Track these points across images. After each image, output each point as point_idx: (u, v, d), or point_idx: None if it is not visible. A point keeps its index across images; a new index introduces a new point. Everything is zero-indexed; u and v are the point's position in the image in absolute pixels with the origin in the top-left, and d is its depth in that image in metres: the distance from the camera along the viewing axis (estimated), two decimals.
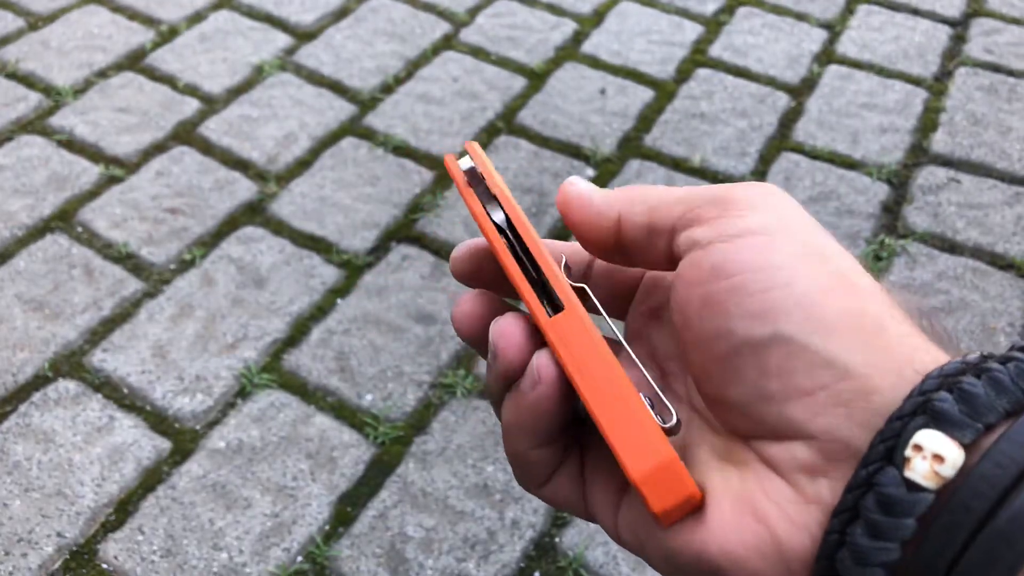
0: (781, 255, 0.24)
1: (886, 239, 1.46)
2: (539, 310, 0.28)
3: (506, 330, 0.28)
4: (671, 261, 0.27)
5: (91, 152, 1.57)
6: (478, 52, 1.82)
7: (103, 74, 1.73)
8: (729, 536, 0.23)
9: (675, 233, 0.27)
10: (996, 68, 1.81)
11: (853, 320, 0.23)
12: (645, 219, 0.28)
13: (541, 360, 0.27)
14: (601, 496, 0.28)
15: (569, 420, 0.28)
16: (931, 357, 0.23)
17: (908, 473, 0.21)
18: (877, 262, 1.42)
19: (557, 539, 1.10)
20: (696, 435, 0.27)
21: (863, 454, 0.22)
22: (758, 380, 0.24)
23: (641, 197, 0.28)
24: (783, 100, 1.74)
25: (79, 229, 1.44)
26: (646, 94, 1.74)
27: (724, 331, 0.24)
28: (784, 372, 0.23)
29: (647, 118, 1.69)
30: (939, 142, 1.65)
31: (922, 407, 0.21)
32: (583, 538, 1.10)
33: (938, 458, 0.20)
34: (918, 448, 0.20)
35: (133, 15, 1.86)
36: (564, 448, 0.29)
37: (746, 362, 0.24)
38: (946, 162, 1.61)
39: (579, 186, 0.30)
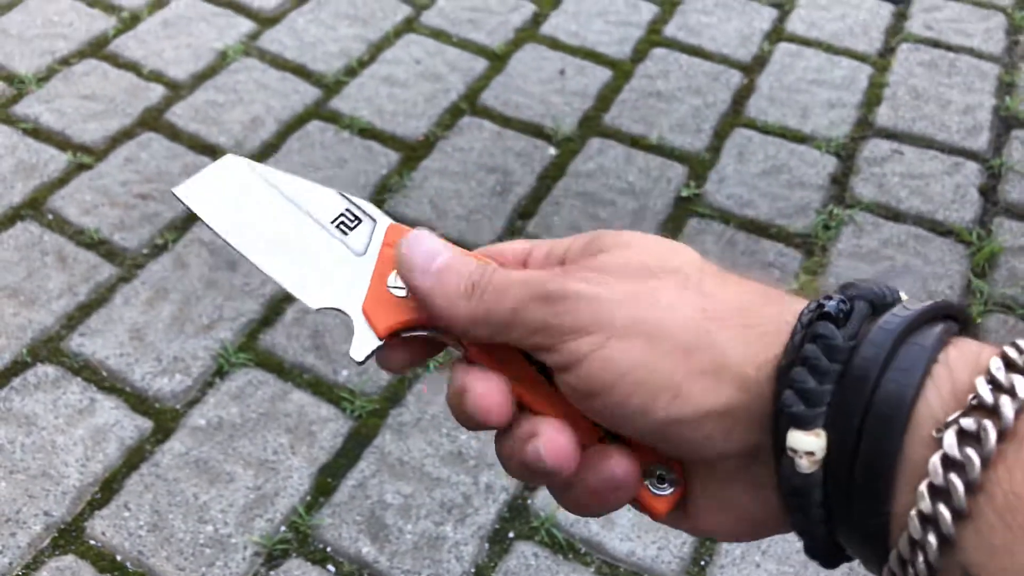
0: (619, 363, 0.29)
1: (834, 209, 1.53)
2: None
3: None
4: None
5: (58, 140, 1.58)
6: (439, 34, 1.86)
7: (66, 61, 1.73)
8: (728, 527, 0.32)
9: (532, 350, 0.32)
10: (936, 44, 1.89)
11: (700, 378, 0.29)
12: (500, 336, 0.32)
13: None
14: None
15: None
16: (765, 354, 0.29)
17: (797, 468, 0.27)
18: (826, 231, 1.50)
19: (529, 501, 1.16)
20: None
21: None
22: (675, 448, 0.30)
23: (488, 317, 0.32)
24: (736, 77, 1.80)
25: (50, 216, 1.46)
26: (604, 74, 1.79)
27: (628, 428, 0.30)
28: (681, 438, 0.29)
29: (606, 97, 1.74)
30: (883, 116, 1.72)
31: (780, 406, 0.27)
32: (554, 500, 1.16)
33: (810, 454, 0.27)
34: (794, 451, 0.27)
35: (93, 1, 1.87)
36: None
37: (656, 441, 0.30)
38: (890, 135, 1.69)
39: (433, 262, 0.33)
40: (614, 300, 0.30)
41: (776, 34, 1.91)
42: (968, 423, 0.24)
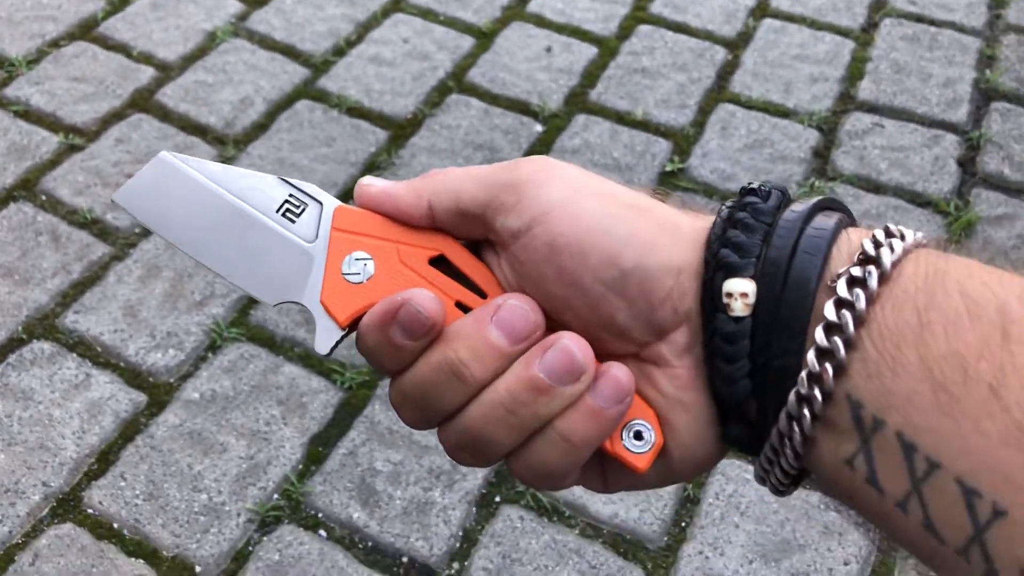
0: (588, 214, 0.32)
1: (816, 182, 1.56)
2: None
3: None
4: (487, 235, 0.34)
5: (49, 122, 1.60)
6: (427, 13, 1.87)
7: (56, 44, 1.75)
8: (694, 448, 0.32)
9: (487, 219, 0.33)
10: (919, 18, 1.91)
11: (661, 232, 0.31)
12: (454, 205, 0.34)
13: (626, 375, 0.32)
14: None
15: None
16: (702, 223, 0.32)
17: (732, 313, 0.29)
18: None
19: None
20: None
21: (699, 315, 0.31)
22: (630, 308, 0.31)
23: (444, 186, 0.34)
24: (720, 54, 1.82)
25: (43, 197, 1.48)
26: (590, 51, 1.81)
27: (586, 287, 0.32)
28: (644, 292, 0.31)
29: (592, 74, 1.76)
30: (865, 90, 1.74)
31: (716, 263, 0.30)
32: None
33: (744, 295, 0.29)
34: (730, 295, 0.29)
35: None
36: None
37: (614, 300, 0.31)
38: (871, 108, 1.71)
39: (376, 185, 0.35)
40: (571, 171, 0.33)
41: (760, 10, 1.93)
42: (856, 271, 0.28)
